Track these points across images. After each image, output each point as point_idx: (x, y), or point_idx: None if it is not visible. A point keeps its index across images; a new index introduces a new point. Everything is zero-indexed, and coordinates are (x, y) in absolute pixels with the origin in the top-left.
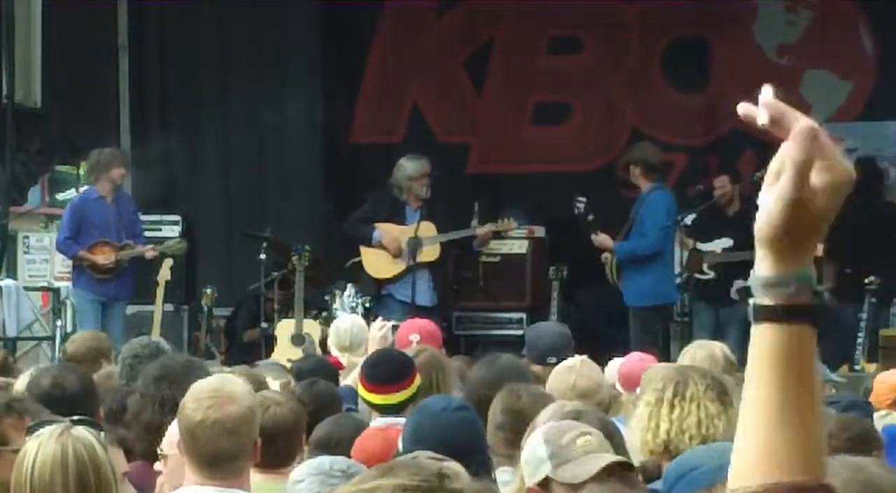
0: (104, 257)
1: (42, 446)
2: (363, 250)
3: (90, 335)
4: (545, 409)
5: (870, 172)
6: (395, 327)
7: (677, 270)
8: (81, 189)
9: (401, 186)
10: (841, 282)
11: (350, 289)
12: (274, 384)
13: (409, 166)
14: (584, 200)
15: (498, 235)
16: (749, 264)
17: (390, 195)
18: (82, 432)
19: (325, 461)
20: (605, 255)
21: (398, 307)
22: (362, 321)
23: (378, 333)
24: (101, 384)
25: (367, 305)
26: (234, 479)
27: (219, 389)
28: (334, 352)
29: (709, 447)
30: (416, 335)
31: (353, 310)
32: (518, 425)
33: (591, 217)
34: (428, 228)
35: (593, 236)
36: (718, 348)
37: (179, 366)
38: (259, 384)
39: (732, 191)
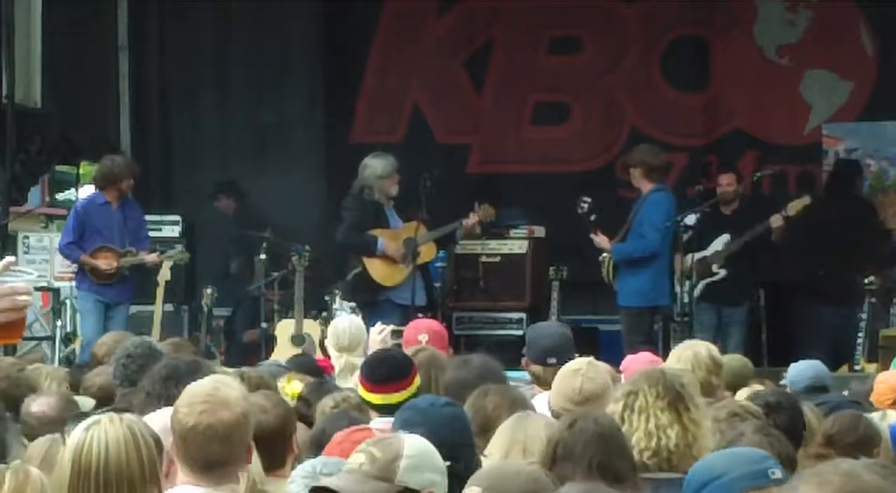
0: (106, 263)
1: (107, 430)
2: (366, 259)
3: (118, 336)
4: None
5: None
6: (396, 332)
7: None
8: (83, 189)
9: (371, 185)
10: (815, 283)
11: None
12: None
13: (377, 165)
14: (588, 200)
15: (484, 228)
16: (755, 260)
17: (363, 198)
18: (133, 417)
19: (317, 463)
20: (603, 254)
21: (397, 311)
22: (360, 322)
23: (378, 336)
24: (90, 386)
25: (353, 307)
26: (225, 482)
27: (213, 393)
28: (332, 352)
29: (733, 453)
30: (424, 335)
31: (353, 310)
32: (483, 425)
33: (593, 217)
34: (413, 229)
35: (592, 236)
36: (704, 348)
37: (185, 366)
38: (261, 387)
39: (738, 189)
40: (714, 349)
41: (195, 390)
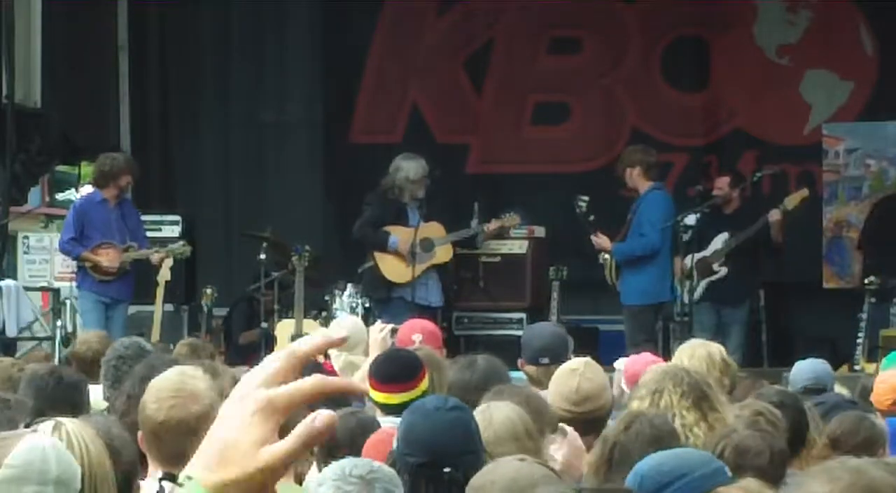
0: (107, 259)
1: (78, 430)
2: (378, 255)
3: (98, 335)
4: None
5: None
6: (394, 330)
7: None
8: (82, 189)
9: (402, 187)
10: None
11: (350, 289)
12: None
13: (410, 168)
14: (586, 199)
15: (502, 233)
16: (755, 255)
17: (388, 197)
18: (74, 425)
19: (347, 465)
20: (605, 256)
21: (409, 310)
22: (361, 321)
23: (378, 335)
24: None
25: (367, 305)
26: None
27: (181, 388)
28: (332, 351)
29: (684, 452)
30: (418, 335)
31: (353, 310)
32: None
33: (592, 217)
34: (435, 229)
35: (592, 238)
36: (717, 349)
37: (165, 367)
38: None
39: (731, 193)
40: (724, 351)
41: (162, 384)
